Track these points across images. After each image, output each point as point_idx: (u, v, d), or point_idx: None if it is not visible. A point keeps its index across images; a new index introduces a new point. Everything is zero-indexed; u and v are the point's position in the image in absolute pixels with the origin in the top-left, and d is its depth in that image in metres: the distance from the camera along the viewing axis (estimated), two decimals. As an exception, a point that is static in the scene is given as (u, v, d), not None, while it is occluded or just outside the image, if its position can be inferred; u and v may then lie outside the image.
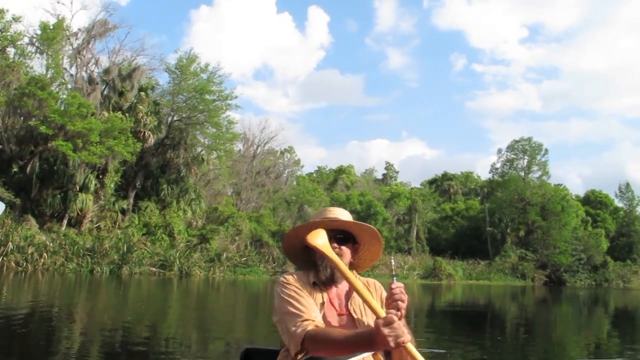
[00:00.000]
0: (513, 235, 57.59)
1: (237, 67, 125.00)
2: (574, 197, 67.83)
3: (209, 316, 15.50)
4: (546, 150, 61.95)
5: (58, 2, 35.76)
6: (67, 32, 34.64)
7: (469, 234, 60.09)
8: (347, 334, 2.03)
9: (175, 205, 37.14)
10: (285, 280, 2.33)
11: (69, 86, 33.67)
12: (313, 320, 2.15)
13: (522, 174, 61.39)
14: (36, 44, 32.37)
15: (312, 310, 2.20)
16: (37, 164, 31.69)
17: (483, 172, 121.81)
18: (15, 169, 31.63)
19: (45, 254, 26.68)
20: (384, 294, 2.38)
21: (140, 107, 36.38)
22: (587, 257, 56.62)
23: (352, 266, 2.43)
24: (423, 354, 2.01)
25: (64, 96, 31.75)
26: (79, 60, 35.73)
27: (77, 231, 31.11)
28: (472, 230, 60.40)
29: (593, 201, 71.22)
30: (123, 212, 34.73)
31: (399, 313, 2.12)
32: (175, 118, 39.30)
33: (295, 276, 2.37)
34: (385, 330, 1.86)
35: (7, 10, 29.47)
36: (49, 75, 31.69)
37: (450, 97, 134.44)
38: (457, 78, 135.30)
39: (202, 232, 35.78)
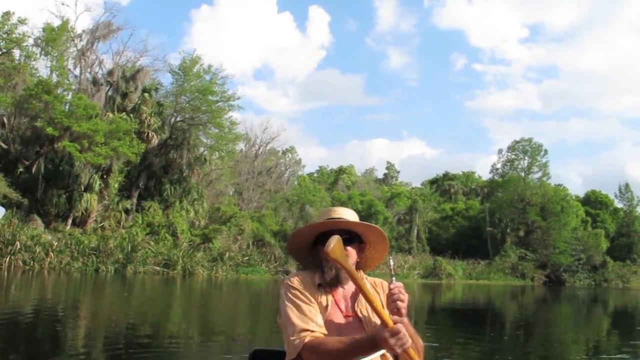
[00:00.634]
0: (513, 235, 57.83)
1: (238, 67, 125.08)
2: (574, 197, 67.96)
3: (213, 315, 15.79)
4: (546, 151, 62.19)
5: (63, 4, 36.16)
6: (71, 33, 35.01)
7: (469, 233, 60.21)
8: (346, 342, 2.08)
9: (178, 205, 37.44)
10: (289, 283, 2.33)
11: (73, 87, 33.97)
12: (312, 332, 2.17)
13: (523, 174, 61.63)
14: (41, 46, 32.68)
15: (313, 317, 2.22)
16: (43, 165, 32.08)
17: (483, 171, 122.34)
18: (21, 169, 32.03)
19: (51, 253, 26.99)
20: None
21: (144, 108, 36.66)
22: (586, 257, 56.74)
23: (357, 265, 2.42)
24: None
25: (69, 97, 32.11)
26: (83, 61, 36.08)
27: (81, 231, 31.46)
28: (472, 230, 60.54)
29: (593, 201, 71.41)
30: (127, 212, 35.04)
31: (404, 320, 2.14)
32: (178, 119, 39.61)
33: (299, 277, 2.37)
34: (392, 341, 1.96)
35: (14, 13, 29.80)
36: (54, 78, 32.02)
37: (450, 96, 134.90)
38: (457, 77, 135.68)
39: (204, 231, 36.09)
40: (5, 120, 32.08)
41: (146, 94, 37.98)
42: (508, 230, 58.34)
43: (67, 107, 30.88)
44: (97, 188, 32.45)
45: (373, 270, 2.66)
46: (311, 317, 2.21)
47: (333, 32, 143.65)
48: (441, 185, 76.69)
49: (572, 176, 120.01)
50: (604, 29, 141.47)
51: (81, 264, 28.02)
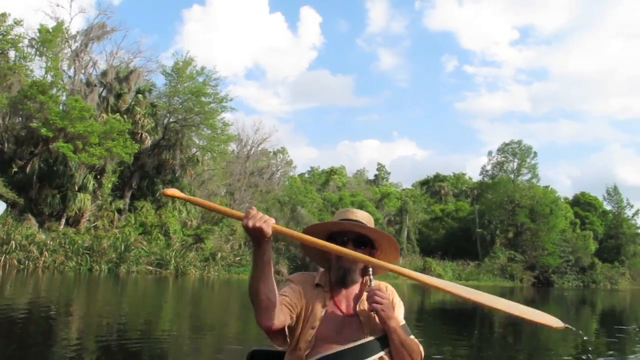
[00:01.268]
0: (502, 237, 58.43)
1: (229, 67, 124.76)
2: (563, 199, 68.57)
3: (205, 314, 16.09)
4: (535, 153, 62.98)
5: (57, 6, 36.31)
6: (65, 34, 35.16)
7: (458, 235, 60.75)
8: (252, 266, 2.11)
9: (170, 206, 37.59)
10: (290, 277, 2.46)
11: (67, 88, 34.12)
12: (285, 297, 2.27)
13: (512, 176, 62.22)
14: (36, 47, 32.83)
15: (286, 297, 2.28)
16: (37, 164, 32.26)
17: (473, 173, 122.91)
18: (15, 169, 32.17)
19: (45, 253, 27.22)
20: (396, 299, 2.44)
21: (138, 109, 36.88)
22: (575, 259, 57.44)
23: (366, 270, 2.42)
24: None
25: (64, 98, 32.29)
26: (77, 62, 36.22)
27: (75, 230, 31.65)
28: (462, 231, 61.07)
29: (582, 203, 72.19)
30: (119, 211, 35.22)
31: (393, 322, 2.26)
32: (171, 120, 39.84)
33: (301, 275, 2.48)
34: (245, 221, 2.08)
35: (9, 14, 29.99)
36: (48, 78, 32.19)
37: (441, 98, 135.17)
38: (448, 79, 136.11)
39: (197, 231, 36.38)
40: (0, 120, 32.23)
41: (140, 95, 38.18)
42: (497, 232, 58.93)
43: (62, 107, 31.06)
44: (90, 188, 32.67)
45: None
46: (285, 296, 2.28)
47: (324, 33, 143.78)
48: (431, 186, 77.00)
49: (562, 178, 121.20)
50: (593, 32, 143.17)
51: (75, 264, 28.23)
